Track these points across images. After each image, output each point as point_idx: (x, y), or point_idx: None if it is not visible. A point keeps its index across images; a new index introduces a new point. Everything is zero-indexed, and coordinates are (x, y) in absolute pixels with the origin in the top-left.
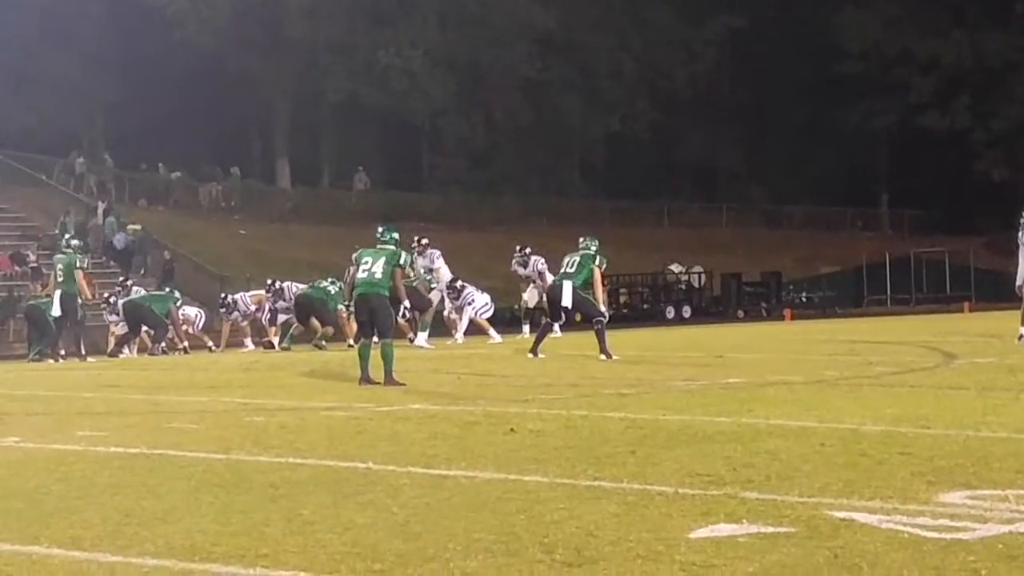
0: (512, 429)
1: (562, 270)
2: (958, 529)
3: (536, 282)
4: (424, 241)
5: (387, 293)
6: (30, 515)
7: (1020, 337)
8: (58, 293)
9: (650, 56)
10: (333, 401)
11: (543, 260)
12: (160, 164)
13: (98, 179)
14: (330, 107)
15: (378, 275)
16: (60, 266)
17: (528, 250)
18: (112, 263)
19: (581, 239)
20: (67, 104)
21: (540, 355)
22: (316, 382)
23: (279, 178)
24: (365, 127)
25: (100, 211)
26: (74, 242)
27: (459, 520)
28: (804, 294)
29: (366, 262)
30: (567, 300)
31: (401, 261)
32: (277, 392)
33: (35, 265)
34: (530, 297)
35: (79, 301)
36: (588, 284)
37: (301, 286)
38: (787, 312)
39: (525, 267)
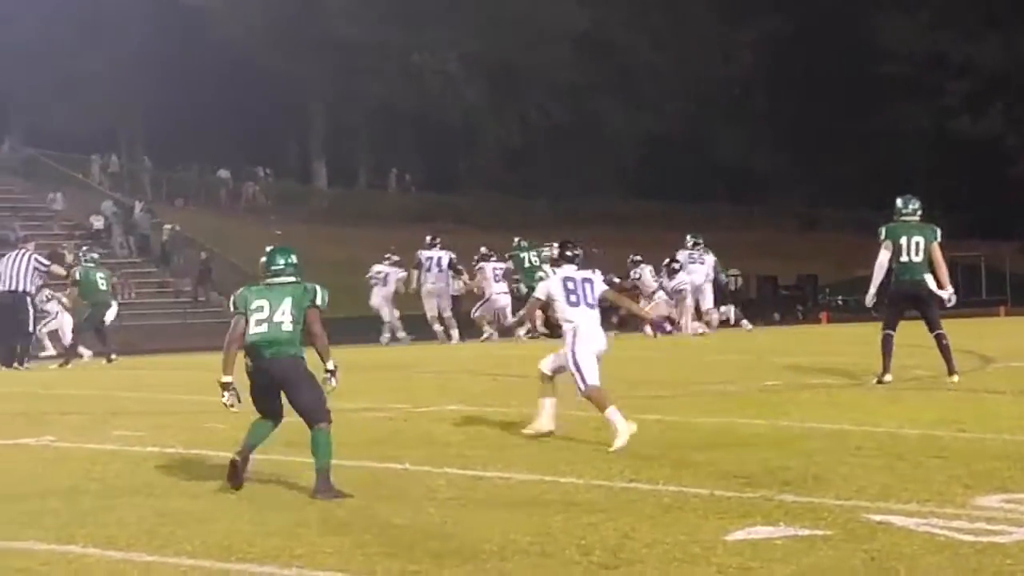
0: (549, 431)
1: None
2: (994, 532)
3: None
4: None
5: (302, 354)
6: (66, 514)
7: None
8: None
9: (687, 57)
10: (368, 402)
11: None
12: (197, 164)
13: (136, 178)
14: (366, 108)
15: (286, 327)
16: (101, 274)
17: (639, 258)
18: (149, 262)
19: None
20: (105, 103)
21: None
22: (350, 382)
23: (315, 178)
24: (401, 128)
25: (137, 210)
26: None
27: (495, 521)
28: (840, 297)
29: (260, 308)
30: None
31: (318, 300)
32: None
33: (73, 264)
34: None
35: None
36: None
37: None
38: (823, 315)
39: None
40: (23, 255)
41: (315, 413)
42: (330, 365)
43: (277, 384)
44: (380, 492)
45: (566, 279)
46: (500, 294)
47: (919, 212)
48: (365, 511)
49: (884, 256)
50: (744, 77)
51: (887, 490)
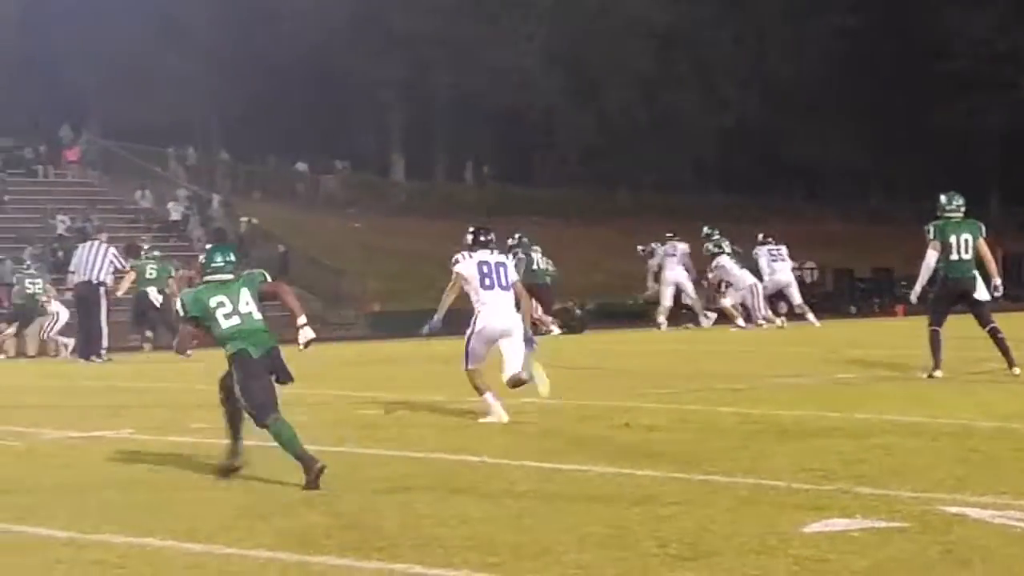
0: (626, 424)
1: None
2: None
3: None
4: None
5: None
6: (144, 507)
7: None
8: (152, 290)
9: (762, 53)
10: (446, 394)
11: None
12: (274, 157)
13: (212, 171)
14: (444, 101)
15: (256, 316)
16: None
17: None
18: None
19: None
20: (182, 97)
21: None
22: (428, 375)
23: (393, 172)
24: (479, 121)
25: (215, 203)
26: (155, 252)
27: (573, 513)
28: None
29: (222, 304)
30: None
31: (267, 278)
32: (389, 385)
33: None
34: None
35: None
36: None
37: None
38: (898, 308)
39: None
40: (98, 246)
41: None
42: (302, 320)
43: (273, 368)
44: (457, 485)
45: (481, 263)
46: None
47: (963, 208)
48: (443, 504)
49: (932, 256)
50: (818, 72)
51: (963, 482)
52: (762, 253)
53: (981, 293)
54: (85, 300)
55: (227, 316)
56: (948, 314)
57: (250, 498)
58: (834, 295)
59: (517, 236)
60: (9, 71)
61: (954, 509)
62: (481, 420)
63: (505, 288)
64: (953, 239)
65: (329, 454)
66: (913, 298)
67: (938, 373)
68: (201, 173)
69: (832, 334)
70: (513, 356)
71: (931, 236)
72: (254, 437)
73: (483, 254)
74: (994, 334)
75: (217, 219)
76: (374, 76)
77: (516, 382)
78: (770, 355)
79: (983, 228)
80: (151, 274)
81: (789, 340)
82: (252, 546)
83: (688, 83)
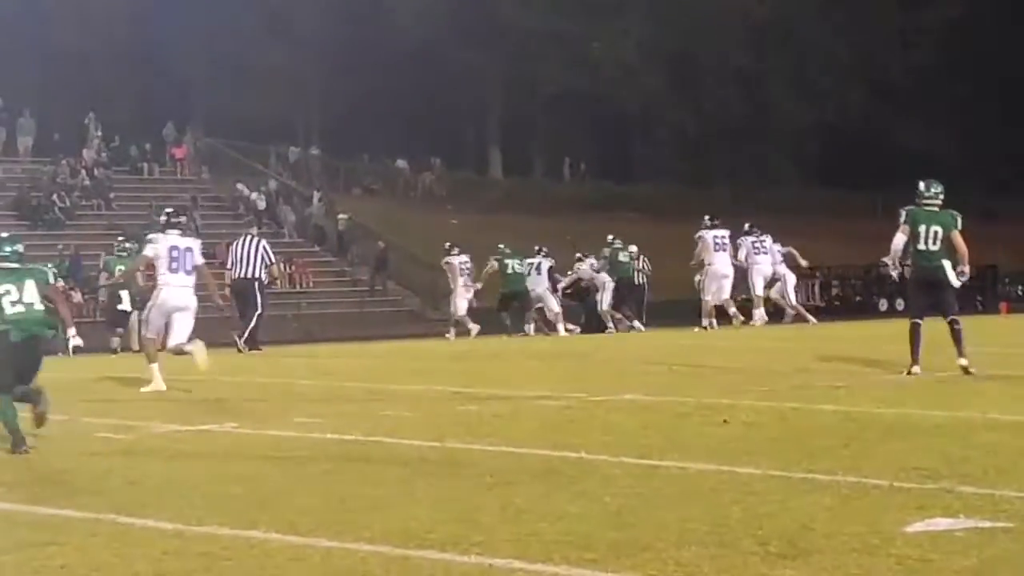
0: (725, 421)
1: None
2: None
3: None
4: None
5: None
6: (248, 500)
7: None
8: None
9: (865, 46)
10: (545, 390)
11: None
12: (373, 153)
13: (312, 167)
14: (543, 97)
15: (38, 307)
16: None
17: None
18: (326, 251)
19: None
20: (282, 93)
21: None
22: (528, 371)
23: (491, 168)
24: (576, 117)
25: (315, 200)
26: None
27: (672, 510)
28: (1020, 287)
29: (7, 292)
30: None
31: (50, 279)
32: (489, 381)
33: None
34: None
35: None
36: None
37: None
38: (1003, 305)
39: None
40: (252, 240)
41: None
42: (72, 332)
43: (33, 359)
44: (557, 480)
45: (172, 247)
46: (465, 287)
47: (941, 197)
48: (542, 499)
49: (899, 240)
50: (923, 65)
51: None
52: (745, 244)
53: (950, 282)
54: (243, 294)
55: (13, 304)
56: (927, 306)
57: (351, 492)
58: None
59: (610, 238)
60: (118, 68)
61: None
62: (143, 389)
63: (188, 272)
64: (923, 228)
65: (429, 449)
66: (893, 274)
67: (916, 369)
68: (301, 170)
69: (933, 332)
70: (180, 329)
71: (902, 220)
72: (356, 433)
73: (174, 238)
74: (952, 325)
75: (316, 216)
76: (474, 71)
77: (177, 351)
78: (870, 353)
79: (959, 219)
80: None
81: (889, 337)
82: (353, 540)
83: (788, 76)
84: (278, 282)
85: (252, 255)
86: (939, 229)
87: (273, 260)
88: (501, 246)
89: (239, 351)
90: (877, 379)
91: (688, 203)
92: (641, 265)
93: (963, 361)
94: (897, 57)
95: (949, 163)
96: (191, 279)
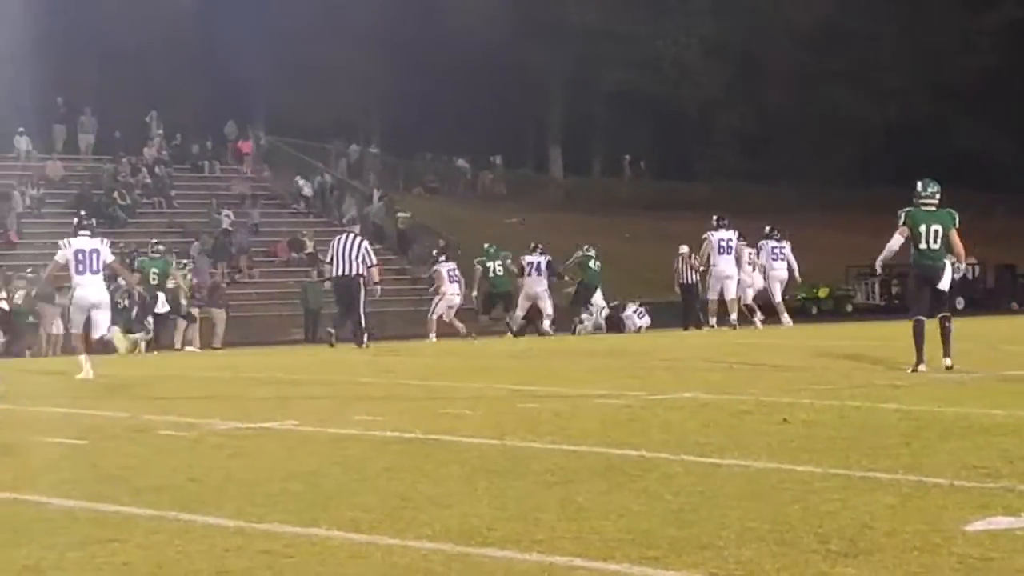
0: (785, 419)
1: None
2: None
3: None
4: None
5: None
6: (309, 497)
7: None
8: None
9: (928, 46)
10: (605, 388)
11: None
12: (434, 153)
13: (373, 166)
14: (603, 95)
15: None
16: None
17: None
18: (387, 250)
19: None
20: (343, 92)
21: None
22: (586, 369)
23: (551, 167)
24: (637, 116)
25: (375, 198)
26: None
27: (733, 509)
28: None
29: None
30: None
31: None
32: (549, 379)
33: (311, 251)
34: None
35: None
36: None
37: None
38: None
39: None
40: (352, 238)
41: None
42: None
43: None
44: (617, 479)
45: (77, 251)
46: (453, 295)
47: (938, 196)
48: (603, 497)
49: (897, 241)
50: (985, 65)
51: None
52: (765, 248)
53: (944, 283)
54: (346, 291)
55: None
56: (929, 302)
57: (413, 489)
58: (995, 291)
59: (486, 246)
60: (179, 66)
61: None
62: (77, 376)
63: (95, 272)
64: (923, 228)
65: (491, 447)
66: (877, 267)
67: (922, 367)
68: (362, 169)
69: (993, 330)
70: (100, 322)
71: (901, 221)
72: (417, 431)
73: (81, 240)
74: (943, 322)
75: (375, 214)
76: (534, 70)
77: (101, 340)
78: (929, 352)
79: (956, 218)
80: (154, 279)
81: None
82: (414, 537)
83: (850, 76)
84: (378, 288)
85: (353, 254)
86: (939, 228)
87: (375, 260)
88: (485, 246)
89: (331, 345)
90: (936, 377)
91: (749, 201)
92: (695, 263)
93: (947, 361)
94: (959, 58)
95: (1011, 163)
96: (99, 277)
